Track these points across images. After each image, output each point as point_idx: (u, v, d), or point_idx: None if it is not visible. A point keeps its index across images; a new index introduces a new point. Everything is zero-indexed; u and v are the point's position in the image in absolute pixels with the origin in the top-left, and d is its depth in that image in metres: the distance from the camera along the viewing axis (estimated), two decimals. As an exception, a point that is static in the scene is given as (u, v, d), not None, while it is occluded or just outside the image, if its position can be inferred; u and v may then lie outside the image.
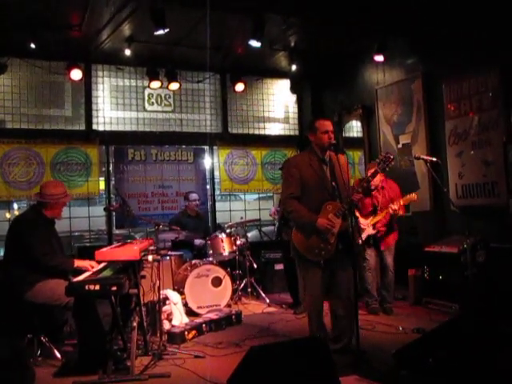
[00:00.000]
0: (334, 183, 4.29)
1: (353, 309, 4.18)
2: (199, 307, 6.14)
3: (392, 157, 4.37)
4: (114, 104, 8.47)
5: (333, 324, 4.47)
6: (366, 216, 5.82)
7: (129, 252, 4.33)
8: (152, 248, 4.75)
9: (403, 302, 6.36)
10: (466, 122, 6.30)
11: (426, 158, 5.44)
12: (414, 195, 5.74)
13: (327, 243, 4.21)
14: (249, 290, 7.14)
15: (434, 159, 5.27)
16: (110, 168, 8.41)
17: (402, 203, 5.68)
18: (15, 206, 8.82)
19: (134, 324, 4.25)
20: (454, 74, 6.45)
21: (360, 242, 5.24)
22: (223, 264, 6.69)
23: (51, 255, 4.54)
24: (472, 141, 6.23)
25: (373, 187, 5.73)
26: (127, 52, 7.41)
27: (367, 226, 5.78)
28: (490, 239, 5.63)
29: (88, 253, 4.93)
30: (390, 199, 5.76)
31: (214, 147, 9.09)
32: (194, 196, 7.58)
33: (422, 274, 6.15)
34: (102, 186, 8.48)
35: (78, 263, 4.62)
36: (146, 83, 8.40)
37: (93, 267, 4.51)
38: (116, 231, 8.55)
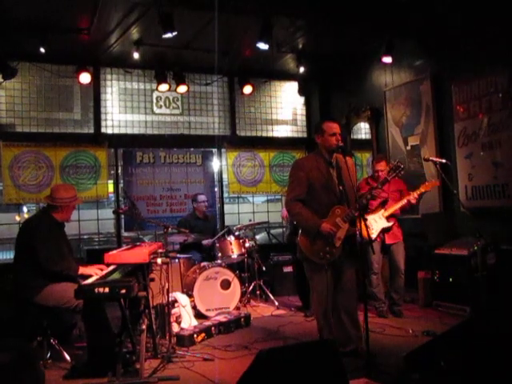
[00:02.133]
0: (341, 187, 4.25)
1: (356, 313, 4.26)
2: (208, 310, 6.14)
3: (402, 166, 4.37)
4: (123, 107, 8.51)
5: (338, 328, 4.43)
6: (374, 211, 5.77)
7: (138, 255, 4.34)
8: (161, 251, 4.75)
9: (413, 305, 6.32)
10: (475, 124, 6.26)
11: (435, 159, 5.39)
12: (436, 181, 5.72)
13: (332, 247, 4.19)
14: (257, 292, 7.13)
15: (444, 161, 5.23)
16: (119, 171, 8.45)
17: (423, 190, 5.58)
18: (25, 209, 8.87)
19: (143, 327, 4.25)
20: (462, 75, 6.41)
21: (373, 236, 5.20)
22: (232, 266, 6.69)
23: (56, 260, 4.51)
24: (482, 142, 6.19)
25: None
26: (135, 55, 7.44)
27: (379, 219, 5.73)
28: (500, 241, 5.59)
29: (97, 255, 4.95)
30: (396, 190, 5.74)
31: (222, 150, 9.10)
32: (201, 198, 7.58)
33: (432, 277, 6.11)
34: (111, 188, 8.50)
35: (82, 270, 4.58)
36: (154, 86, 8.43)
37: (97, 274, 4.51)
38: (125, 234, 8.58)
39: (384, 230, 5.74)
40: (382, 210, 5.74)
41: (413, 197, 5.57)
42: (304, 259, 4.40)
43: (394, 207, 5.69)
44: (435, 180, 5.77)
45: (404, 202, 5.63)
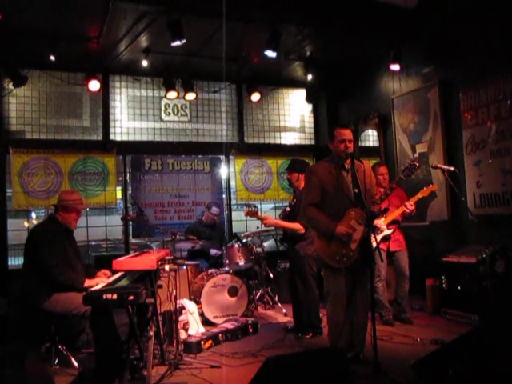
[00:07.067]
0: (356, 190, 4.24)
1: (367, 317, 4.19)
2: (215, 317, 6.14)
3: (417, 164, 4.36)
4: (131, 114, 8.56)
5: (347, 332, 4.41)
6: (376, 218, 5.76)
7: (146, 261, 4.34)
8: (168, 257, 4.76)
9: (421, 313, 6.28)
10: (483, 131, 6.24)
11: (443, 167, 5.38)
12: (434, 186, 5.74)
13: (349, 250, 4.21)
14: (265, 299, 7.12)
15: (452, 168, 5.21)
16: (127, 177, 8.49)
17: (420, 196, 5.61)
18: (33, 215, 8.92)
19: (151, 333, 4.25)
20: (470, 82, 6.40)
21: (374, 244, 5.23)
22: (239, 273, 6.68)
23: (63, 269, 4.53)
24: (490, 149, 6.17)
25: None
26: (144, 63, 7.49)
27: (381, 226, 5.74)
28: (509, 249, 5.54)
29: (105, 262, 4.96)
30: (397, 196, 5.74)
31: (230, 157, 9.13)
32: (215, 210, 7.52)
33: (440, 284, 6.07)
34: (119, 195, 8.54)
35: (88, 283, 4.57)
36: (162, 93, 8.48)
37: (103, 281, 4.51)
38: (132, 240, 8.60)
39: (385, 238, 5.75)
40: (383, 218, 5.74)
41: (409, 204, 5.58)
42: (322, 264, 4.41)
43: (394, 214, 5.71)
44: (433, 185, 5.78)
45: (402, 209, 5.64)
